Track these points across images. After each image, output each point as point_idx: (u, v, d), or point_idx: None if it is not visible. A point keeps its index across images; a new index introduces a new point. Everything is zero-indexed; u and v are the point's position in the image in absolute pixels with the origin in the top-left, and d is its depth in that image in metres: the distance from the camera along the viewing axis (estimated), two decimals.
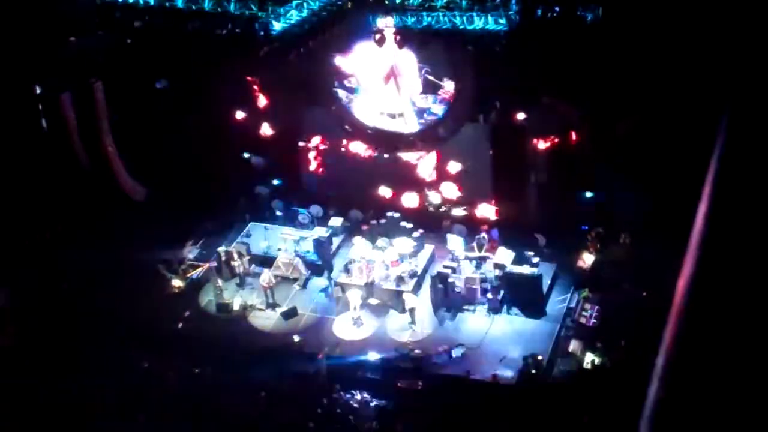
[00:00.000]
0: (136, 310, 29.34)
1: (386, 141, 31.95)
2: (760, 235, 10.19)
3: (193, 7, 29.38)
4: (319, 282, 31.06)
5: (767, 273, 10.00)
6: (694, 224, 10.65)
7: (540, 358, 26.54)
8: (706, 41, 24.74)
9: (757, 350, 9.65)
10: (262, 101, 32.64)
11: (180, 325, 29.43)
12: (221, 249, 31.59)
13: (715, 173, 10.99)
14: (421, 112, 30.98)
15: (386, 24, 28.67)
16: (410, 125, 31.33)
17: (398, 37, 28.68)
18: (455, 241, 31.14)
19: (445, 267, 29.99)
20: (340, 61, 30.54)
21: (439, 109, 30.60)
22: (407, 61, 29.85)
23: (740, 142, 11.11)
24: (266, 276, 30.27)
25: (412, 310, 28.80)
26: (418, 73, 29.90)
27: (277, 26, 28.99)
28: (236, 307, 29.97)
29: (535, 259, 29.88)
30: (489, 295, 29.23)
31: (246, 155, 34.08)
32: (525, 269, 29.46)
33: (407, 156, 31.75)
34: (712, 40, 24.43)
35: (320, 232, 32.00)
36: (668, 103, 26.91)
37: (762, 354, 9.64)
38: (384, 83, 30.49)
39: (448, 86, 29.84)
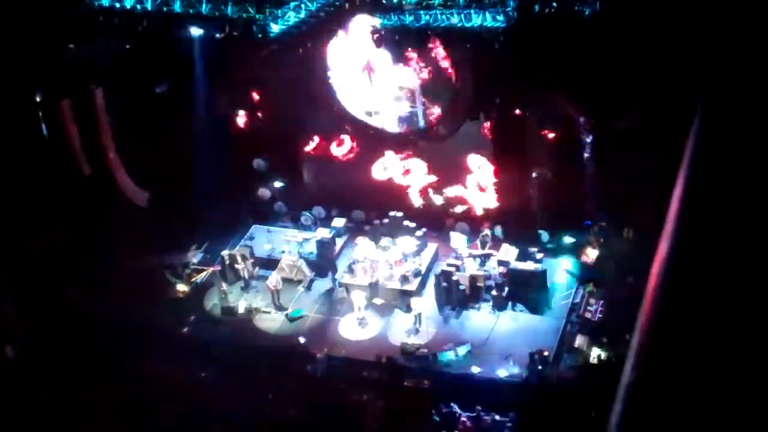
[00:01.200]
0: (140, 315, 29.30)
1: (386, 140, 31.97)
2: (733, 219, 10.18)
3: (191, 11, 29.36)
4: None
5: (742, 257, 9.97)
6: (669, 208, 10.67)
7: (546, 353, 26.55)
8: (705, 35, 24.68)
9: (731, 333, 9.62)
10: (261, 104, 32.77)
11: (186, 329, 29.46)
12: (225, 252, 31.61)
13: (690, 158, 11.00)
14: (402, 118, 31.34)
15: (371, 24, 28.69)
16: (388, 125, 31.44)
17: (397, 37, 28.72)
18: (458, 239, 31.15)
19: (449, 265, 29.98)
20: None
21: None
22: (382, 57, 30.03)
23: (714, 130, 11.12)
24: (273, 278, 30.27)
25: (418, 315, 28.76)
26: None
27: (275, 28, 28.99)
28: (241, 310, 30.00)
29: (539, 255, 29.89)
30: (493, 292, 29.22)
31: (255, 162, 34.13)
32: (529, 265, 29.47)
33: None
34: (711, 33, 24.39)
35: (323, 233, 32.02)
36: (670, 95, 26.84)
37: (738, 336, 9.62)
38: (361, 74, 30.59)
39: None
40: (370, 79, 30.62)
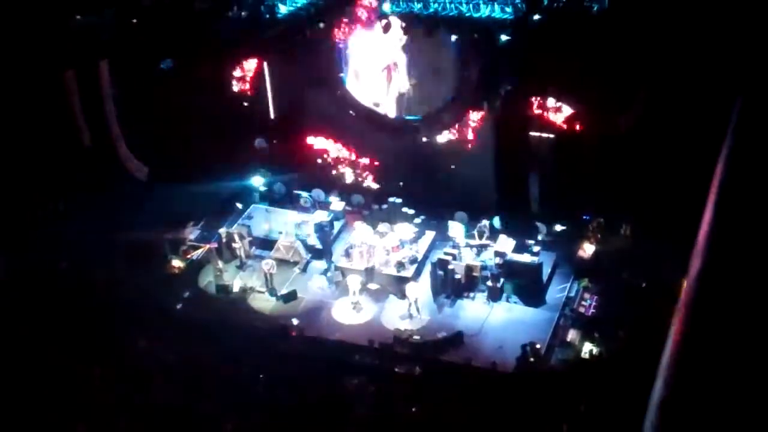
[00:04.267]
0: (135, 289, 29.32)
1: (388, 126, 31.98)
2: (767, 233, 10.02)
3: None
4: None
5: None
6: (701, 220, 10.48)
7: (538, 346, 26.59)
8: (715, 33, 24.72)
9: (763, 350, 9.52)
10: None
11: (179, 305, 29.49)
12: (222, 231, 31.62)
13: (723, 169, 10.80)
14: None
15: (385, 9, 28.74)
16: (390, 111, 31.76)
17: (404, 23, 28.73)
18: (456, 228, 31.19)
19: (446, 254, 30.03)
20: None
21: None
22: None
23: (751, 139, 10.92)
24: (269, 262, 30.26)
25: (414, 301, 28.82)
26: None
27: (283, 9, 28.98)
28: (236, 289, 30.03)
29: (536, 248, 29.94)
30: (489, 283, 29.28)
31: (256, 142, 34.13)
32: (525, 258, 29.52)
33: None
34: (721, 31, 24.42)
35: (321, 216, 32.06)
36: (674, 94, 26.89)
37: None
38: (380, 73, 30.62)
39: None
40: (389, 78, 30.60)
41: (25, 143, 30.68)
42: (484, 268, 29.67)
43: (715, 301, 9.93)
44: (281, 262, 30.91)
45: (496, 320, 28.52)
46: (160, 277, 30.45)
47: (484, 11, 27.41)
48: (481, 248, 30.30)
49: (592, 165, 29.49)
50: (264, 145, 34.19)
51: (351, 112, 32.09)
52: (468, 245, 30.48)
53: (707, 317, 9.91)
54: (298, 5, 29.00)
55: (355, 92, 31.73)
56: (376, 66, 30.82)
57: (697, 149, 26.11)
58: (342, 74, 31.57)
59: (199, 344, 27.58)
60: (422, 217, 31.95)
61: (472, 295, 29.44)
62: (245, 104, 32.84)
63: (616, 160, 28.81)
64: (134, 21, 30.89)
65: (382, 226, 31.34)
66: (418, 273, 30.27)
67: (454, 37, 28.78)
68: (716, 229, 10.48)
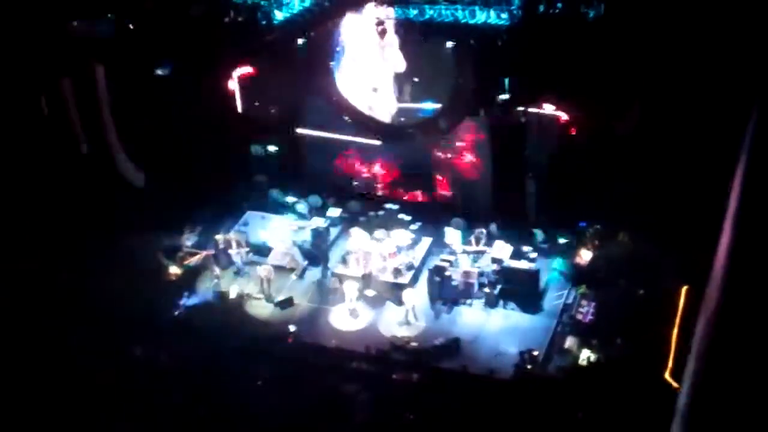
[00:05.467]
0: (133, 296, 29.25)
1: (386, 132, 31.95)
2: None
3: None
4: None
5: None
6: (722, 227, 10.34)
7: (536, 353, 26.58)
8: (710, 38, 24.73)
9: None
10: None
11: (177, 312, 29.43)
12: (219, 237, 31.58)
13: (743, 178, 10.68)
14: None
15: (387, 15, 28.67)
16: (388, 101, 31.59)
17: (401, 29, 28.75)
18: (453, 235, 31.16)
19: (443, 260, 29.99)
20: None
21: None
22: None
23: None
24: (266, 268, 30.22)
25: (412, 308, 28.76)
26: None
27: (279, 15, 28.94)
28: (233, 295, 29.98)
29: (533, 255, 29.90)
30: (486, 289, 29.22)
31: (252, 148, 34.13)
32: (523, 264, 29.48)
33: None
34: (716, 36, 24.44)
35: (318, 222, 32.02)
36: (670, 100, 26.90)
37: None
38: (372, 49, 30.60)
39: None
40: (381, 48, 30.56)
41: (21, 151, 30.61)
42: (481, 274, 29.64)
43: (742, 307, 9.84)
44: (278, 269, 30.89)
45: (494, 327, 28.48)
46: (157, 284, 30.38)
47: (480, 18, 27.43)
48: (478, 255, 30.27)
49: (589, 172, 29.46)
50: (260, 151, 34.15)
51: (346, 117, 32.06)
52: (465, 252, 30.44)
53: (734, 323, 9.83)
54: (295, 12, 28.95)
55: (349, 94, 31.63)
56: (367, 45, 30.61)
57: (695, 155, 26.24)
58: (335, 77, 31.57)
59: (196, 350, 27.55)
60: (419, 223, 31.90)
61: (469, 301, 29.40)
62: (242, 110, 32.76)
63: (614, 167, 28.79)
64: (131, 27, 30.85)
65: (379, 233, 31.31)
66: (415, 279, 30.24)
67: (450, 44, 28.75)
68: (742, 234, 10.38)
